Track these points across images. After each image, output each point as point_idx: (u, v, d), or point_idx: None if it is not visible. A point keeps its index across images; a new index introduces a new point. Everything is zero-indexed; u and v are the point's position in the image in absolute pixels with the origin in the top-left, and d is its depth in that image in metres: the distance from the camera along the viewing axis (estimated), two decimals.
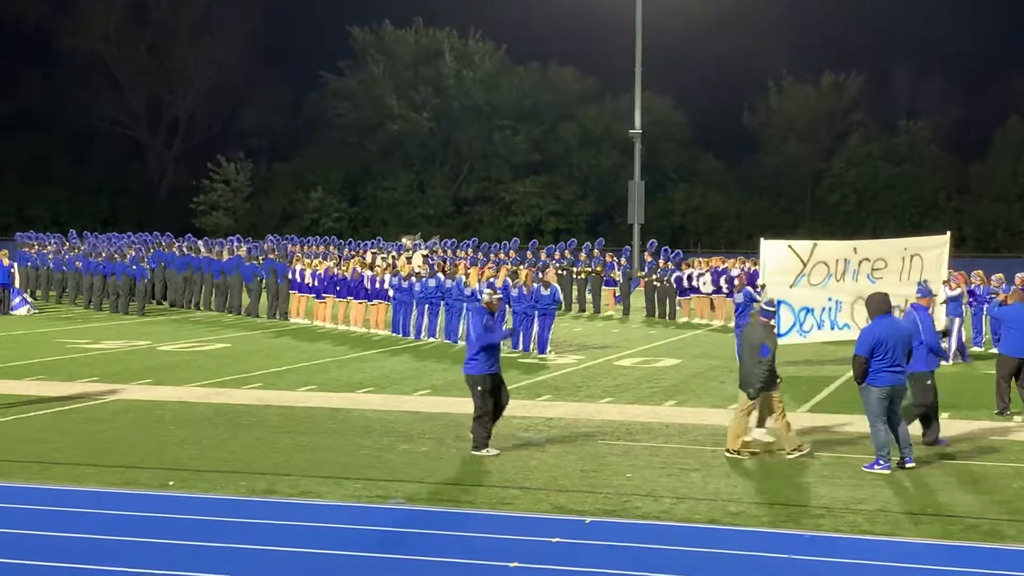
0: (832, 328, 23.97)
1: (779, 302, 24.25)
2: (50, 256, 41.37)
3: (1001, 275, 28.70)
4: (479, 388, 15.35)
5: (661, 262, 37.24)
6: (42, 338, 29.48)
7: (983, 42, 77.54)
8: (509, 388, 21.42)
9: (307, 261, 35.15)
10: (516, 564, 10.44)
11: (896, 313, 15.56)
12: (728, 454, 15.20)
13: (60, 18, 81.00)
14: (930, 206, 76.47)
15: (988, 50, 77.72)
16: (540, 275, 28.77)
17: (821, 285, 24.38)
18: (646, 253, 39.69)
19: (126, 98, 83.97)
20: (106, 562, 10.52)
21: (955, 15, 78.45)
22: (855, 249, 25.16)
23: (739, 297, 24.81)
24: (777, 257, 24.72)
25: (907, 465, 14.42)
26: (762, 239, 25.77)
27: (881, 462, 14.40)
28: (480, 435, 15.28)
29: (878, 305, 14.79)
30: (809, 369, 24.43)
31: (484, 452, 15.12)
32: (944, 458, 15.24)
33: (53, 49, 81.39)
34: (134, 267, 36.74)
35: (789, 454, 15.17)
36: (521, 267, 33.51)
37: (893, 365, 14.35)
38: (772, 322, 16.07)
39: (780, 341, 24.45)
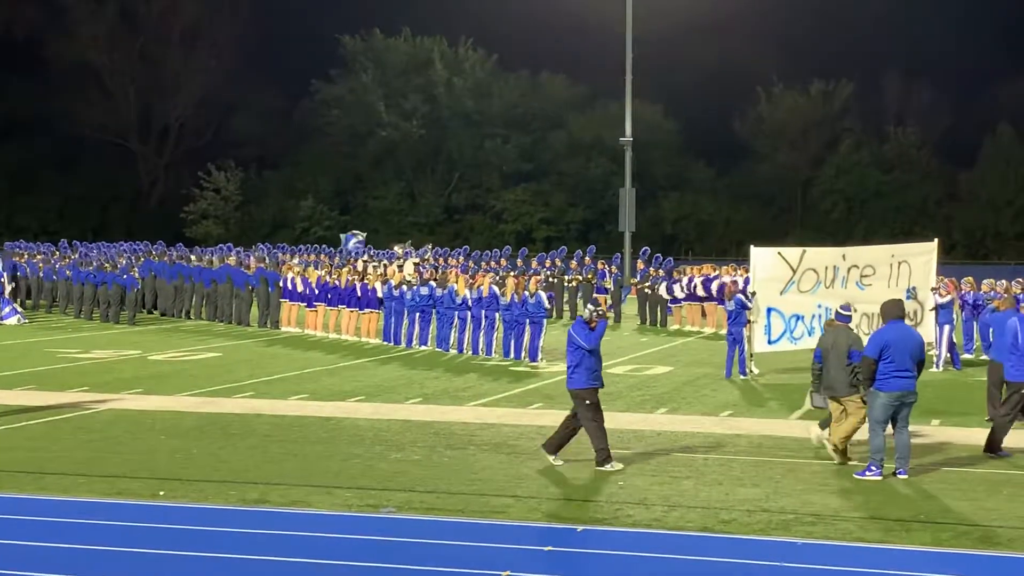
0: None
1: (769, 309, 24.36)
2: (40, 265, 41.29)
3: (991, 281, 28.76)
4: (587, 401, 15.04)
5: (652, 270, 37.28)
6: (32, 348, 29.43)
7: (972, 50, 77.71)
8: (499, 396, 21.55)
9: (297, 269, 35.13)
10: (508, 573, 10.43)
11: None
12: (836, 459, 15.26)
13: (50, 26, 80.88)
14: (920, 213, 76.59)
15: (977, 58, 77.91)
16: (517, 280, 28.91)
17: (811, 292, 24.41)
18: (638, 261, 39.71)
19: (116, 106, 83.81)
20: (97, 572, 10.50)
21: (945, 23, 78.63)
22: (844, 256, 25.20)
23: (730, 304, 24.82)
24: (767, 264, 24.76)
25: (898, 475, 14.44)
26: (752, 246, 25.81)
27: (874, 468, 14.44)
28: (602, 448, 14.91)
29: (891, 310, 14.89)
30: (799, 376, 24.40)
31: (609, 467, 14.75)
32: (935, 465, 15.25)
33: (43, 57, 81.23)
34: (124, 276, 36.70)
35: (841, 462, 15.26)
36: (511, 275, 33.50)
37: (901, 370, 14.38)
38: (851, 325, 16.10)
39: (771, 348, 24.66)
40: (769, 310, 24.47)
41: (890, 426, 14.59)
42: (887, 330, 14.76)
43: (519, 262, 41.11)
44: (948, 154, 78.03)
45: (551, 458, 15.14)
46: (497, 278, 31.46)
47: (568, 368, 15.48)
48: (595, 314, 15.63)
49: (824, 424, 16.17)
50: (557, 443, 15.26)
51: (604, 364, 26.34)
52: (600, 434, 15.02)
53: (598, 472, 14.74)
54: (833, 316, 16.37)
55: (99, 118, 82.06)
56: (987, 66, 78.08)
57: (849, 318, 16.12)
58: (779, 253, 25.09)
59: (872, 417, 14.57)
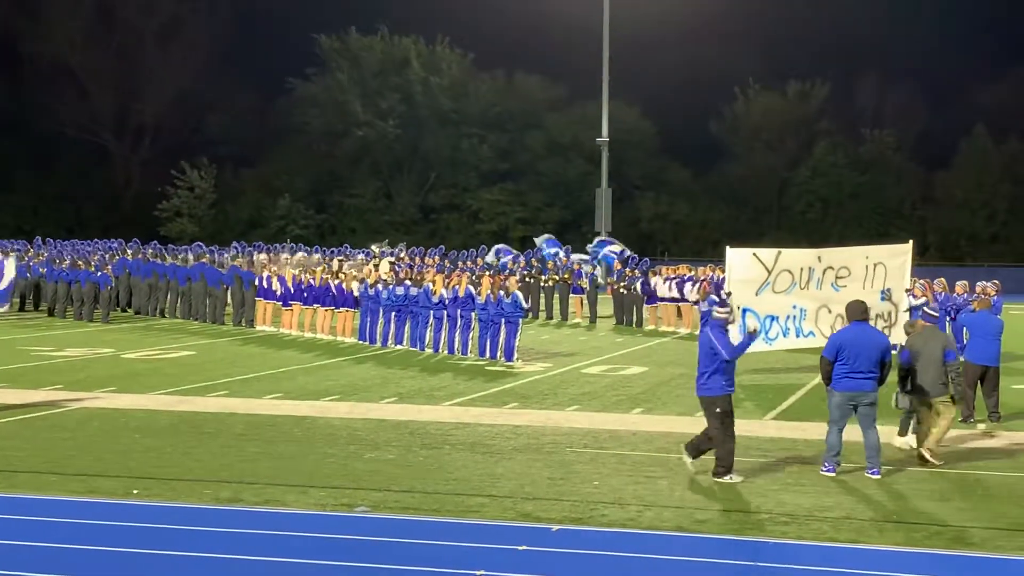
0: (797, 336, 24.04)
1: (744, 310, 24.37)
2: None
3: (965, 282, 28.86)
4: (718, 409, 14.48)
5: (628, 270, 37.32)
6: (5, 345, 29.26)
7: (948, 52, 78.07)
8: (475, 396, 21.54)
9: (274, 268, 35.03)
10: (482, 572, 10.42)
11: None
12: (935, 462, 15.28)
13: (26, 23, 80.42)
14: (895, 215, 76.90)
15: (953, 60, 78.27)
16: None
17: (786, 293, 24.47)
18: (616, 261, 39.74)
19: (92, 104, 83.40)
20: (69, 571, 10.44)
21: (921, 25, 79.01)
22: (819, 257, 25.27)
23: (704, 305, 24.85)
24: (742, 265, 24.80)
25: (869, 474, 14.49)
26: (727, 247, 25.87)
27: (827, 464, 14.59)
28: (727, 458, 14.40)
29: (853, 312, 15.02)
30: (774, 377, 24.52)
31: (727, 478, 14.25)
32: (909, 466, 15.30)
33: (18, 54, 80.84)
34: (99, 274, 36.54)
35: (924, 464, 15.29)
36: (486, 274, 33.50)
37: (855, 371, 14.45)
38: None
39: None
40: (744, 311, 24.51)
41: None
42: (845, 331, 14.99)
43: (495, 262, 41.07)
44: (923, 156, 78.44)
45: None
46: (473, 277, 31.50)
47: (700, 374, 14.68)
48: (729, 315, 15.19)
49: (903, 431, 16.26)
50: (700, 449, 14.71)
51: (580, 364, 26.61)
52: (727, 445, 14.43)
53: (568, 472, 14.73)
54: (911, 316, 16.22)
55: (74, 116, 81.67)
56: (963, 68, 78.54)
57: (936, 318, 16.05)
58: (754, 254, 25.14)
59: (830, 415, 14.74)
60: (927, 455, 15.37)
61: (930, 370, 15.40)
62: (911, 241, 26.64)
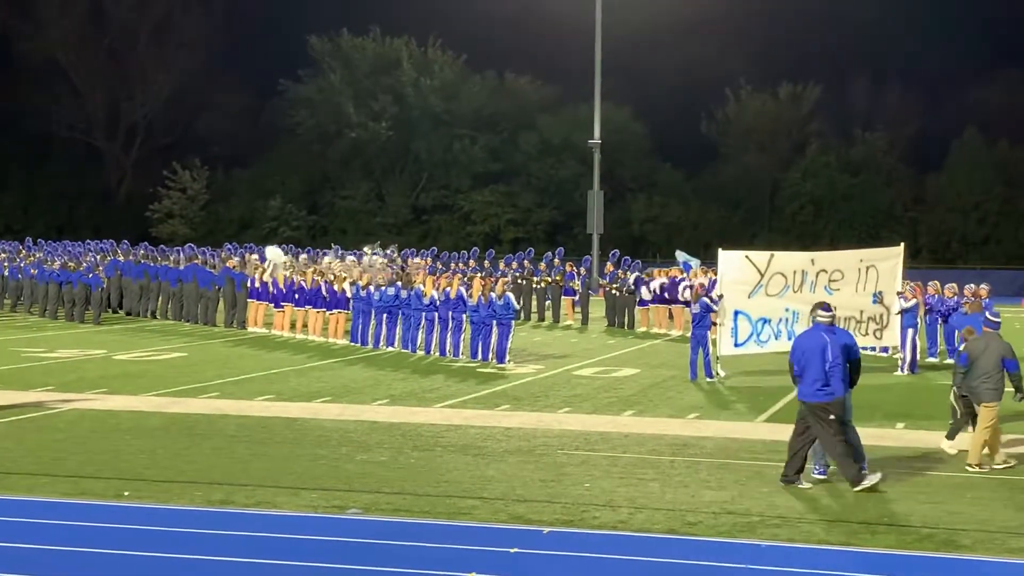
0: (789, 338, 23.99)
1: (736, 312, 24.43)
2: (5, 264, 40.99)
3: (954, 285, 28.88)
4: (831, 416, 14.13)
5: (621, 272, 37.32)
6: None
7: (940, 54, 78.05)
8: (466, 398, 21.54)
9: (263, 268, 34.98)
10: (474, 574, 10.43)
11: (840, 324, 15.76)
12: (999, 462, 15.35)
13: (18, 22, 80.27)
14: (887, 216, 76.87)
15: (945, 62, 78.25)
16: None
17: (778, 296, 24.53)
18: (608, 263, 39.74)
19: (84, 103, 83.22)
20: (60, 573, 10.43)
21: (913, 27, 79.06)
22: (812, 260, 25.35)
23: (695, 307, 24.87)
24: (735, 267, 24.86)
25: (814, 475, 14.50)
26: (720, 249, 25.91)
27: (817, 467, 14.73)
28: (851, 467, 14.00)
29: (811, 316, 15.21)
30: (766, 379, 24.53)
31: (867, 482, 13.89)
32: (899, 468, 15.32)
33: (10, 53, 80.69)
34: (90, 275, 36.48)
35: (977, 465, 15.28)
36: (477, 276, 33.48)
37: (800, 377, 14.49)
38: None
39: (737, 351, 24.76)
40: (736, 313, 24.56)
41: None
42: (797, 337, 15.40)
43: (486, 263, 41.04)
44: (915, 158, 78.39)
45: (802, 485, 14.17)
46: (464, 279, 31.47)
47: (813, 379, 14.25)
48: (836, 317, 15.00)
49: (951, 435, 16.29)
50: (798, 467, 14.33)
51: (572, 366, 26.62)
52: (848, 451, 14.06)
53: (559, 474, 14.72)
54: (984, 324, 16.10)
55: (66, 116, 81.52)
56: (954, 70, 78.54)
57: (999, 324, 16.02)
58: (747, 256, 25.20)
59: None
60: (984, 462, 15.35)
61: (984, 374, 15.36)
62: (902, 244, 26.74)
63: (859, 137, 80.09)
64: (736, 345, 24.71)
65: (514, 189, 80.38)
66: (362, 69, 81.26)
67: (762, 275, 24.55)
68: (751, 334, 24.56)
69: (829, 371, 14.12)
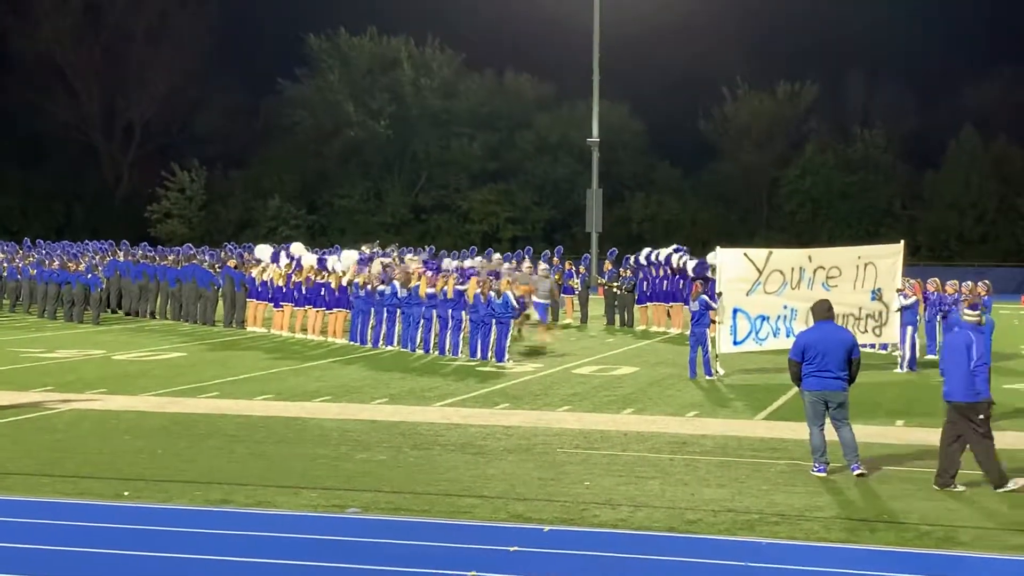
0: (788, 335, 24.05)
1: (735, 310, 24.42)
2: (3, 264, 40.97)
3: (955, 282, 28.88)
4: (981, 416, 13.87)
5: (621, 271, 37.31)
6: None
7: (937, 52, 78.18)
8: (466, 397, 21.54)
9: (261, 268, 34.96)
10: (474, 573, 10.43)
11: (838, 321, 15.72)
12: None
13: (13, 21, 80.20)
14: (885, 214, 76.95)
15: (942, 60, 78.37)
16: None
17: (777, 293, 24.54)
18: (607, 261, 39.74)
19: (80, 103, 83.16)
20: (60, 574, 10.43)
21: (910, 25, 79.06)
22: (810, 257, 25.36)
23: (695, 305, 24.88)
24: (733, 265, 24.87)
25: (854, 472, 14.52)
26: (718, 247, 25.91)
27: (817, 465, 14.65)
28: (996, 469, 13.82)
29: (818, 312, 15.22)
30: (764, 377, 24.54)
31: (1012, 485, 13.71)
32: (899, 465, 15.34)
33: (6, 52, 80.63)
34: (89, 275, 36.47)
35: None
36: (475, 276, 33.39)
37: (821, 370, 14.53)
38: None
39: (736, 348, 24.76)
40: (735, 311, 24.56)
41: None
42: (810, 331, 15.24)
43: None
44: (913, 156, 78.47)
45: (957, 488, 13.85)
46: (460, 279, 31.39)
47: (958, 378, 13.91)
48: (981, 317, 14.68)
49: None
50: (953, 472, 13.96)
51: (571, 364, 26.62)
52: (993, 454, 13.88)
53: (559, 473, 14.72)
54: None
55: (63, 115, 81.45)
56: (952, 69, 78.63)
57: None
58: (745, 254, 25.20)
59: (806, 417, 14.86)
60: None
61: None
62: (902, 241, 26.75)
63: (857, 135, 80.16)
64: (735, 343, 24.72)
65: (512, 188, 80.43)
66: (360, 68, 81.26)
67: (760, 272, 24.56)
68: (750, 332, 24.57)
69: (974, 371, 13.89)
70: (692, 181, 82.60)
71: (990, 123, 75.98)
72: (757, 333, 24.52)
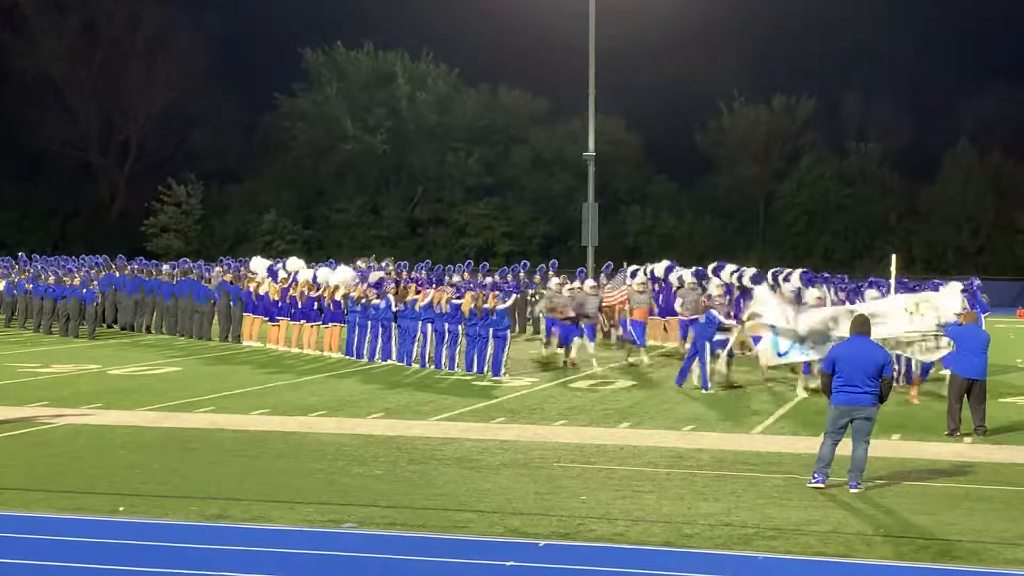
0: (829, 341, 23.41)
1: (773, 326, 23.68)
2: None
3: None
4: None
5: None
6: None
7: (933, 66, 78.30)
8: (462, 411, 21.53)
9: (257, 282, 34.96)
10: None
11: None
12: None
13: (10, 38, 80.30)
14: (881, 228, 77.09)
15: (938, 74, 78.50)
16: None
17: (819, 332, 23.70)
18: (603, 276, 39.71)
19: (77, 119, 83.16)
20: None
21: (906, 39, 79.27)
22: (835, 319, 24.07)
23: (701, 319, 24.84)
24: (770, 297, 24.11)
25: (851, 490, 14.51)
26: (755, 286, 25.60)
27: (816, 475, 14.66)
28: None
29: (854, 325, 15.22)
30: (760, 392, 24.52)
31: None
32: (895, 479, 15.33)
33: (4, 69, 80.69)
34: (84, 290, 36.45)
35: None
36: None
37: (849, 384, 14.50)
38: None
39: (782, 360, 24.13)
40: (773, 327, 24.01)
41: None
42: (843, 345, 15.28)
43: (480, 276, 40.97)
44: (909, 169, 78.56)
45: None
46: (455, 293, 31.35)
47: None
48: None
49: None
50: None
51: (568, 378, 26.58)
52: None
53: (555, 487, 14.71)
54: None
55: (59, 131, 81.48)
56: (948, 82, 78.77)
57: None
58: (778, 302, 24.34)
59: (826, 427, 14.79)
60: None
61: None
62: (895, 255, 26.60)
63: (852, 149, 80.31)
64: (780, 355, 24.02)
65: (508, 202, 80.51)
66: (356, 83, 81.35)
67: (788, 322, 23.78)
68: (792, 343, 23.90)
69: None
70: (688, 194, 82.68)
71: (985, 137, 76.16)
72: (801, 344, 23.82)
